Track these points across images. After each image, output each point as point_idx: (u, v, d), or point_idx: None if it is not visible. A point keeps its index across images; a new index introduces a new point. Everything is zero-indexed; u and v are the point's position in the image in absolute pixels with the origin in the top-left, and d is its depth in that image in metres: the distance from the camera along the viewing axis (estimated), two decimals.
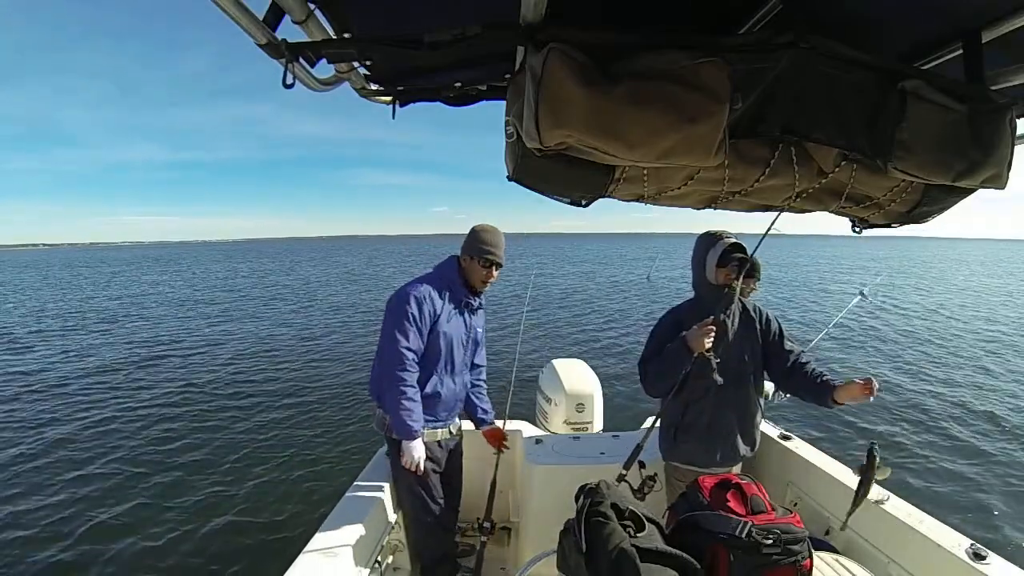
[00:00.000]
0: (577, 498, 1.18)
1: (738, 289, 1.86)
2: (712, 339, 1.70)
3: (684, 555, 1.03)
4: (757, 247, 1.83)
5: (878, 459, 1.48)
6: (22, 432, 6.18)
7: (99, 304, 19.06)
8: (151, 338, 12.20)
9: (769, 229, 1.64)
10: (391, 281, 25.98)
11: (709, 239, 1.92)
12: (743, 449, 1.94)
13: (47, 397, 7.64)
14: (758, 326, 1.95)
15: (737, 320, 1.93)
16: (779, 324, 1.99)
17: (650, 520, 1.13)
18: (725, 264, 1.85)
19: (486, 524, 2.26)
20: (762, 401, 2.01)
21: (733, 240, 1.88)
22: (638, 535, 1.06)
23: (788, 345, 1.95)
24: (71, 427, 6.32)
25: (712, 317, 1.73)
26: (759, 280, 2.35)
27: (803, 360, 1.92)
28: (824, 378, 1.81)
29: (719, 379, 1.85)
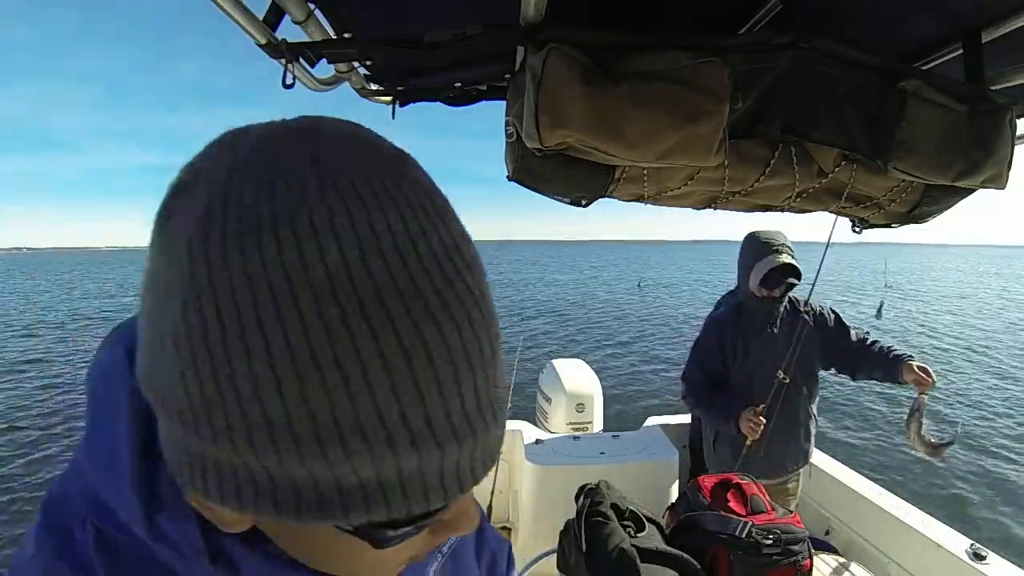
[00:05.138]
0: (577, 498, 1.18)
1: (784, 302, 1.78)
2: (760, 433, 1.61)
3: (684, 555, 1.03)
4: (820, 266, 1.66)
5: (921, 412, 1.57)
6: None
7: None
8: None
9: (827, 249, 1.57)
10: None
11: (759, 248, 1.70)
12: (790, 466, 1.82)
13: (40, 407, 7.63)
14: (813, 327, 1.75)
15: (787, 328, 1.76)
16: (835, 315, 1.85)
17: (650, 520, 1.13)
18: (771, 287, 1.72)
19: None
20: (813, 408, 1.85)
21: (786, 260, 1.64)
22: (638, 535, 1.06)
23: (854, 335, 1.81)
24: (62, 432, 6.31)
25: (764, 418, 1.61)
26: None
27: (869, 342, 1.79)
28: (894, 353, 1.71)
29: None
